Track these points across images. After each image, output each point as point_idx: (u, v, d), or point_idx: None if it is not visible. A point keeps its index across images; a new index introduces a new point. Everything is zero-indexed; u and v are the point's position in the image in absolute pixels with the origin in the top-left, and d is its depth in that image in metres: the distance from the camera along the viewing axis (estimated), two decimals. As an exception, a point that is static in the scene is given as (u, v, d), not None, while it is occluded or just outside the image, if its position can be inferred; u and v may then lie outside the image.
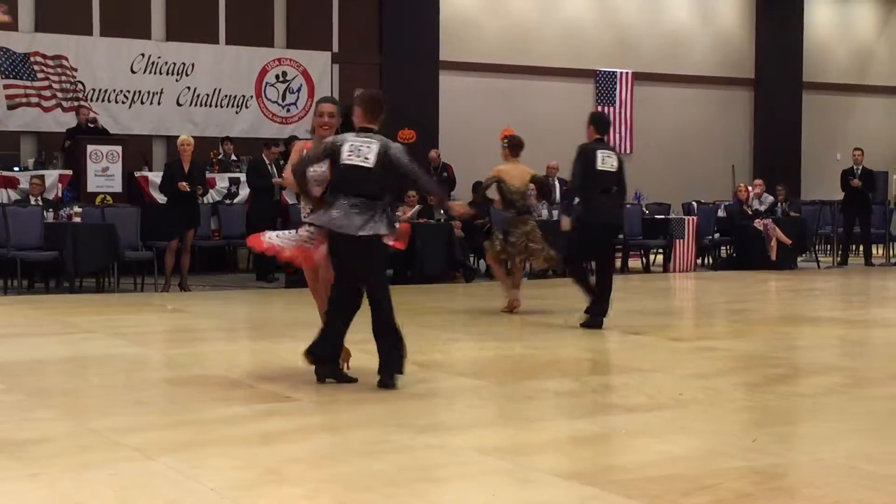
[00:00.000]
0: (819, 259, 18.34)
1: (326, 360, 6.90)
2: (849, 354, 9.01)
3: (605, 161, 9.94)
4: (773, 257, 16.95)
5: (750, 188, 17.87)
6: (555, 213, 16.28)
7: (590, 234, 10.08)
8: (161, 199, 14.58)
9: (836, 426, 5.92)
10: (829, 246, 19.65)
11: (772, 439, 5.56)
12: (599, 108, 21.76)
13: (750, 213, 17.38)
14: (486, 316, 11.18)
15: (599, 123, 10.24)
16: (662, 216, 17.61)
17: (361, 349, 7.45)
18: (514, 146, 11.40)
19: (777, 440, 5.59)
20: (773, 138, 23.14)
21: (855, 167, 18.37)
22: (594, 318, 9.97)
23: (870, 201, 18.40)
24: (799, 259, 17.85)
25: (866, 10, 24.75)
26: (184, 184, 13.24)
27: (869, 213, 18.39)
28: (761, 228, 17.05)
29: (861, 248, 19.07)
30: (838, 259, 18.42)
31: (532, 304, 11.63)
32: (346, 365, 7.19)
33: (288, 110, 18.74)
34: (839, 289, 14.96)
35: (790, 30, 23.33)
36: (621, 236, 16.92)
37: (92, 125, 16.01)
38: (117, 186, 15.48)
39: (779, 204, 17.97)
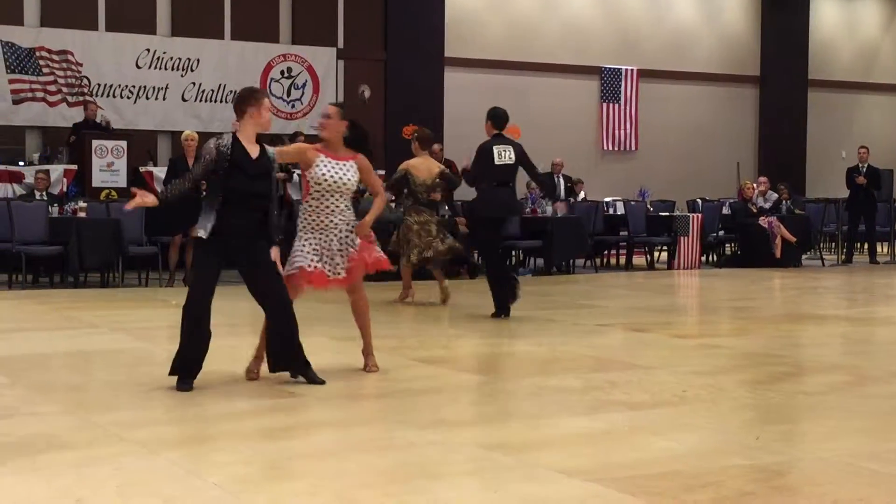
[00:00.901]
0: (823, 257, 18.32)
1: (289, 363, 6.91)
2: (852, 352, 9.00)
3: (502, 155, 10.44)
4: (778, 255, 16.95)
5: (755, 185, 17.86)
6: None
7: (481, 226, 10.74)
8: (165, 194, 14.58)
9: (839, 424, 5.92)
10: (833, 244, 19.65)
11: (774, 437, 5.56)
12: (604, 105, 21.77)
13: (754, 210, 17.37)
14: (490, 313, 11.18)
15: (496, 119, 10.76)
16: (667, 213, 17.61)
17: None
18: (422, 140, 11.72)
19: (780, 438, 5.59)
20: (778, 136, 23.13)
21: (860, 165, 18.35)
22: (499, 309, 10.45)
23: (875, 199, 18.37)
24: (803, 257, 17.84)
25: (872, 8, 24.72)
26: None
27: (874, 211, 18.36)
28: (766, 226, 17.03)
29: (866, 245, 19.05)
30: (843, 257, 18.41)
31: (534, 301, 11.63)
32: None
33: (293, 106, 18.76)
34: (843, 287, 14.94)
35: (796, 27, 23.31)
36: (625, 233, 17.00)
37: (100, 123, 16.03)
38: (122, 181, 15.50)
39: (782, 202, 17.95)
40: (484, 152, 10.52)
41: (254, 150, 6.75)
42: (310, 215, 7.16)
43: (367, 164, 7.37)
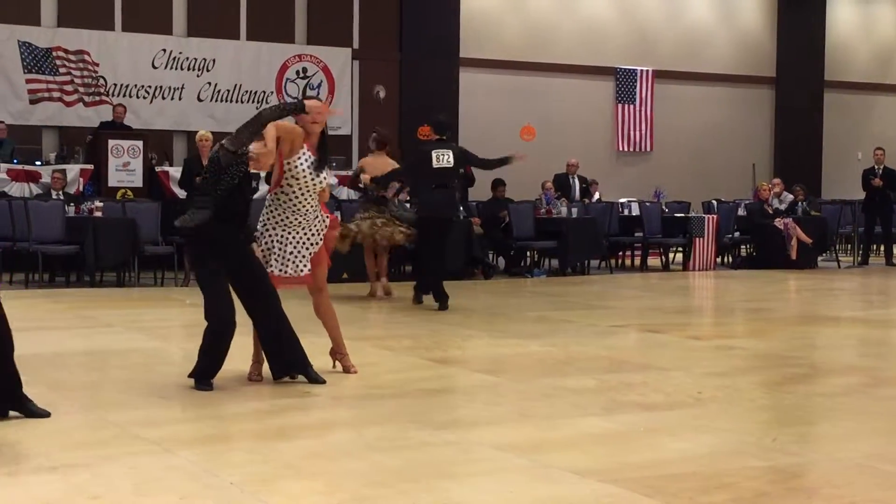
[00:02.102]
0: (839, 258, 18.26)
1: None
2: (868, 354, 8.96)
3: (440, 159, 11.11)
4: (794, 256, 16.88)
5: (770, 187, 17.80)
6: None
7: (420, 227, 11.45)
8: (181, 194, 14.63)
9: (855, 426, 5.90)
10: (849, 245, 19.57)
11: (790, 439, 5.54)
12: (619, 106, 21.75)
13: (770, 211, 17.31)
14: (505, 313, 11.19)
15: (436, 125, 11.62)
16: (682, 214, 17.57)
17: (381, 345, 7.47)
18: (377, 141, 12.37)
19: (795, 440, 5.58)
20: (794, 137, 23.05)
21: (876, 167, 18.28)
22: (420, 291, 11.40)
23: (891, 201, 18.29)
24: (819, 258, 17.78)
25: (888, 9, 24.62)
26: (199, 179, 13.27)
27: (890, 213, 18.28)
28: (781, 227, 16.98)
29: (882, 247, 18.97)
30: (859, 259, 18.33)
31: (549, 302, 11.62)
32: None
33: (308, 106, 18.75)
34: (859, 288, 14.89)
35: (811, 28, 23.23)
36: (640, 234, 16.98)
37: (120, 125, 16.15)
38: (138, 181, 15.54)
39: (798, 203, 17.89)
40: (419, 153, 11.49)
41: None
42: (277, 210, 6.96)
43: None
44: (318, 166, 6.97)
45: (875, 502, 4.45)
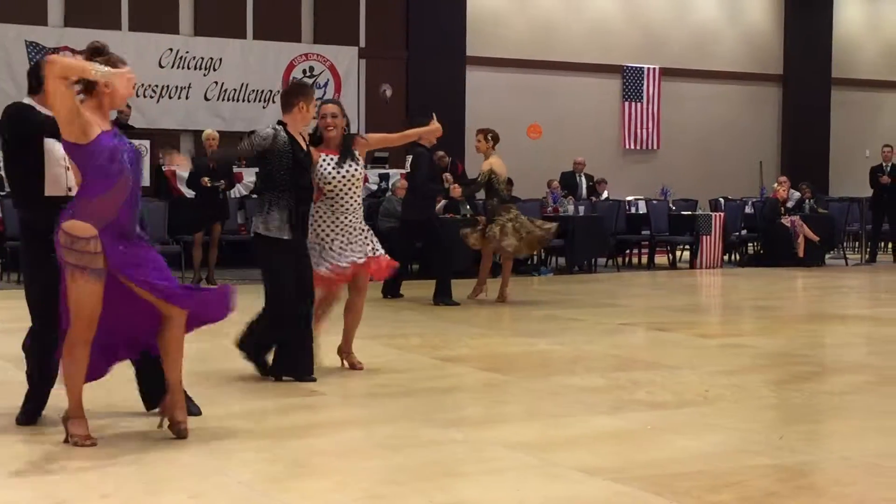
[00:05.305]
0: (847, 256, 18.24)
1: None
2: (876, 352, 8.95)
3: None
4: (801, 254, 16.87)
5: (787, 186, 17.72)
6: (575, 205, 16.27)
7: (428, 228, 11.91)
8: (189, 193, 14.65)
9: (863, 424, 5.90)
10: (857, 243, 19.55)
11: (798, 437, 5.55)
12: (626, 104, 21.75)
13: (783, 211, 17.27)
14: (513, 311, 11.19)
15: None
16: (689, 212, 17.56)
17: (389, 344, 7.49)
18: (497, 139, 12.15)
19: (803, 438, 5.58)
20: (802, 135, 23.03)
21: (884, 164, 18.24)
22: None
23: (899, 198, 18.26)
24: (827, 256, 17.76)
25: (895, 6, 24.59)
26: (205, 179, 13.29)
27: (898, 210, 18.25)
28: (789, 225, 16.96)
29: (890, 245, 18.94)
30: (866, 256, 18.31)
31: (557, 301, 11.62)
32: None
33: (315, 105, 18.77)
34: (867, 286, 14.88)
35: (819, 25, 23.20)
36: (647, 232, 16.97)
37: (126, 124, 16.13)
38: (145, 181, 15.55)
39: (805, 201, 17.86)
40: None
41: (303, 144, 6.87)
42: (325, 213, 7.12)
43: (364, 137, 7.46)
44: (340, 161, 7.09)
45: (883, 501, 4.45)
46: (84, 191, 5.09)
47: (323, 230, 7.11)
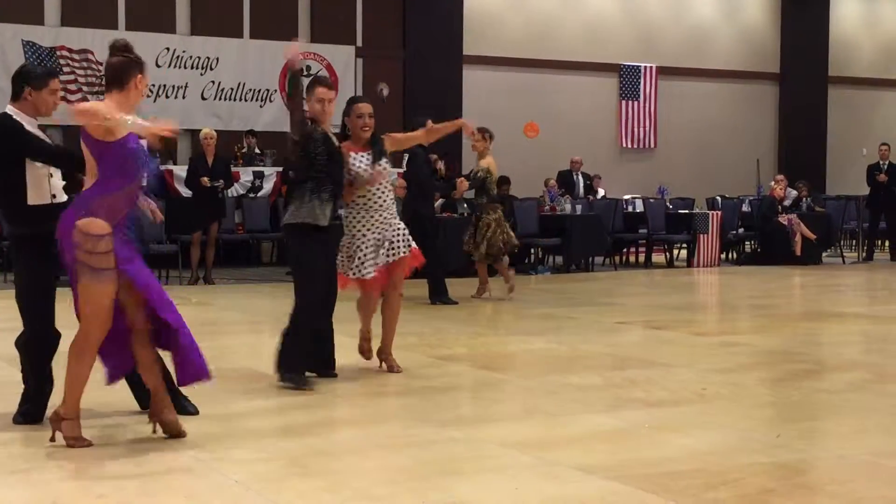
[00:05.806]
0: (844, 254, 18.25)
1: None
2: (873, 350, 8.97)
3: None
4: (798, 252, 16.88)
5: (784, 185, 17.74)
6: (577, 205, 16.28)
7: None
8: (186, 192, 14.65)
9: (860, 422, 5.91)
10: (854, 241, 19.56)
11: (795, 435, 5.55)
12: (623, 103, 21.75)
13: (780, 209, 17.28)
14: (510, 310, 11.19)
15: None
16: (686, 211, 17.57)
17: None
18: (492, 137, 12.21)
19: (800, 436, 5.58)
20: (799, 133, 23.05)
21: (881, 162, 18.26)
22: None
23: (896, 196, 18.28)
24: (824, 254, 17.77)
25: (892, 5, 24.59)
26: (205, 179, 13.30)
27: (895, 209, 18.27)
28: (786, 223, 16.97)
29: (886, 243, 18.96)
30: (863, 254, 18.32)
31: (554, 299, 11.61)
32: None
33: (312, 104, 18.76)
34: (864, 284, 14.89)
35: (816, 24, 23.21)
36: (645, 230, 16.96)
37: None
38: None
39: (802, 200, 17.86)
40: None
41: (335, 139, 6.87)
42: (359, 211, 7.09)
43: (391, 134, 7.42)
44: (375, 158, 7.07)
45: (880, 499, 4.46)
46: (100, 187, 5.10)
47: (358, 229, 7.07)
